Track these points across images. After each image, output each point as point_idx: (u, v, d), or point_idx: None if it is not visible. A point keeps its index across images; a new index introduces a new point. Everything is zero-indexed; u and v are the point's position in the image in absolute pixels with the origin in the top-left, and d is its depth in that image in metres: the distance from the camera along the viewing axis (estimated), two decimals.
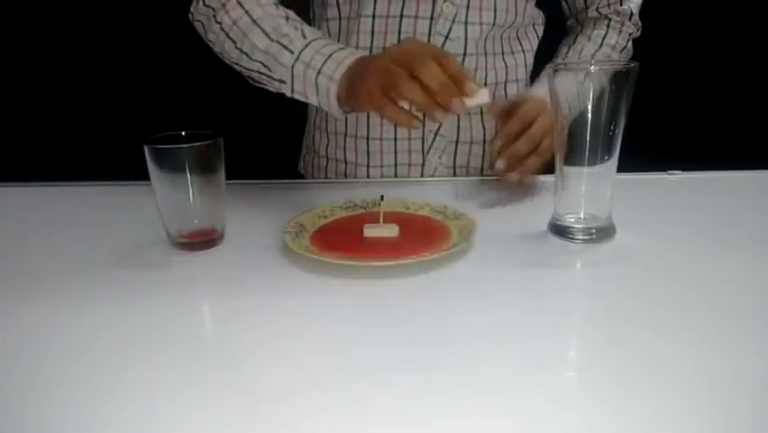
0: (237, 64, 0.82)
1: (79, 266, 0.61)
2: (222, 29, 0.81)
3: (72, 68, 1.66)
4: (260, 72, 0.80)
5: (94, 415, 0.38)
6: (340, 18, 0.90)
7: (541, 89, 0.83)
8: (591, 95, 0.58)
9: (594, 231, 0.63)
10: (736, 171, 0.85)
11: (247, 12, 0.80)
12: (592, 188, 0.62)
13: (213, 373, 0.42)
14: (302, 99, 0.78)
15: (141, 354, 0.45)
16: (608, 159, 0.61)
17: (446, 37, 0.86)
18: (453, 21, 0.86)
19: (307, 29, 0.79)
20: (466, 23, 0.86)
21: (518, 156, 0.74)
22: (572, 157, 0.62)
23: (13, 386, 0.42)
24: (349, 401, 0.39)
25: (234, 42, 0.80)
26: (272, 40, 0.77)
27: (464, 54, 0.88)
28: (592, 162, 0.61)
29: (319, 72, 0.74)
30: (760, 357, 0.42)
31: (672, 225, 0.67)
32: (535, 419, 0.37)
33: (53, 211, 0.80)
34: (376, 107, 0.66)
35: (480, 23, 0.87)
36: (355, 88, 0.69)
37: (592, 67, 0.59)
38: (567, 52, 0.94)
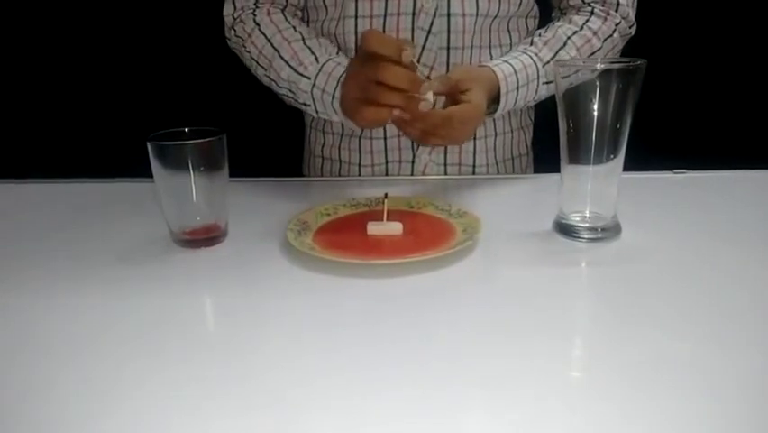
0: (270, 87, 0.89)
1: (81, 263, 0.61)
2: (252, 57, 0.88)
3: (74, 64, 1.66)
4: (288, 96, 0.87)
5: (94, 410, 0.38)
6: (326, 20, 0.90)
7: (497, 70, 0.81)
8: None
9: (600, 230, 0.62)
10: (742, 170, 0.84)
11: (269, 40, 0.86)
12: (598, 186, 0.62)
13: (214, 369, 0.42)
14: (328, 119, 0.86)
15: (143, 351, 0.45)
16: (614, 157, 0.60)
17: (428, 32, 0.85)
18: (435, 15, 0.84)
19: (320, 50, 0.84)
20: (448, 15, 0.85)
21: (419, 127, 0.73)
22: (578, 155, 0.61)
23: (14, 382, 0.42)
24: (352, 399, 0.38)
25: (264, 70, 0.87)
26: (292, 68, 0.83)
27: (448, 48, 0.86)
28: (598, 161, 0.60)
29: (333, 97, 0.80)
30: (766, 357, 0.42)
31: (677, 224, 0.66)
32: (540, 418, 0.36)
33: (55, 208, 0.80)
34: (369, 122, 0.71)
35: (464, 14, 0.85)
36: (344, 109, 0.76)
37: (599, 64, 0.58)
38: (544, 31, 0.89)
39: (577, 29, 0.87)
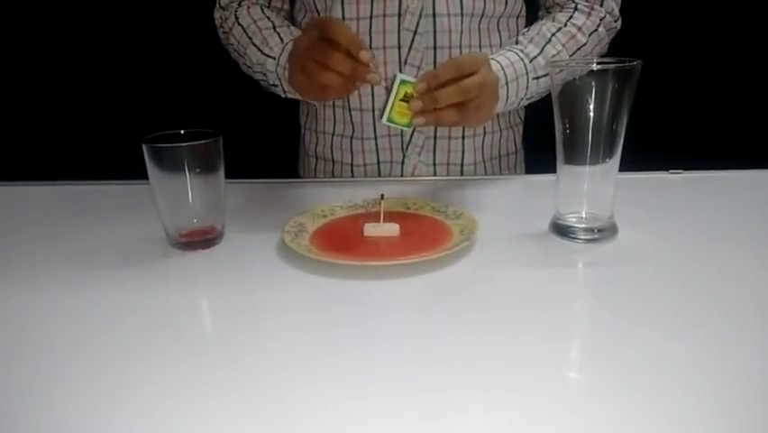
0: (252, 77, 0.92)
1: (78, 265, 0.61)
2: (234, 50, 0.92)
3: (71, 66, 1.65)
4: (262, 82, 0.89)
5: (92, 413, 0.38)
6: None
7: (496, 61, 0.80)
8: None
9: (596, 230, 0.62)
10: (738, 171, 0.84)
11: (245, 31, 0.89)
12: (594, 187, 0.62)
13: (211, 371, 0.42)
14: (295, 98, 0.87)
15: (140, 354, 0.45)
16: (610, 158, 0.60)
17: (414, 32, 0.84)
18: (420, 15, 0.84)
19: (288, 35, 0.86)
20: (434, 15, 0.84)
21: (437, 102, 0.68)
22: (574, 156, 0.61)
23: (12, 384, 0.41)
24: (348, 400, 0.38)
25: (242, 58, 0.90)
26: (261, 51, 0.86)
27: (434, 48, 0.86)
28: (594, 162, 0.60)
29: (285, 69, 0.81)
30: (764, 356, 0.42)
31: (674, 225, 0.67)
32: (539, 420, 0.36)
33: (51, 210, 0.80)
34: (312, 78, 0.69)
35: (449, 14, 0.85)
36: (293, 72, 0.75)
37: (594, 65, 0.58)
38: (527, 30, 0.88)
39: (561, 26, 0.87)
